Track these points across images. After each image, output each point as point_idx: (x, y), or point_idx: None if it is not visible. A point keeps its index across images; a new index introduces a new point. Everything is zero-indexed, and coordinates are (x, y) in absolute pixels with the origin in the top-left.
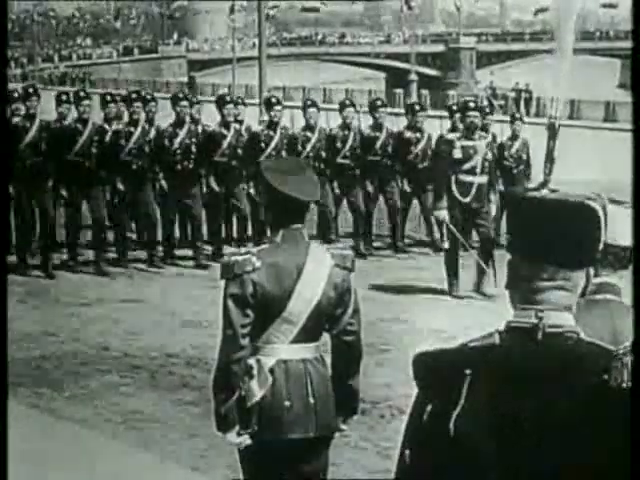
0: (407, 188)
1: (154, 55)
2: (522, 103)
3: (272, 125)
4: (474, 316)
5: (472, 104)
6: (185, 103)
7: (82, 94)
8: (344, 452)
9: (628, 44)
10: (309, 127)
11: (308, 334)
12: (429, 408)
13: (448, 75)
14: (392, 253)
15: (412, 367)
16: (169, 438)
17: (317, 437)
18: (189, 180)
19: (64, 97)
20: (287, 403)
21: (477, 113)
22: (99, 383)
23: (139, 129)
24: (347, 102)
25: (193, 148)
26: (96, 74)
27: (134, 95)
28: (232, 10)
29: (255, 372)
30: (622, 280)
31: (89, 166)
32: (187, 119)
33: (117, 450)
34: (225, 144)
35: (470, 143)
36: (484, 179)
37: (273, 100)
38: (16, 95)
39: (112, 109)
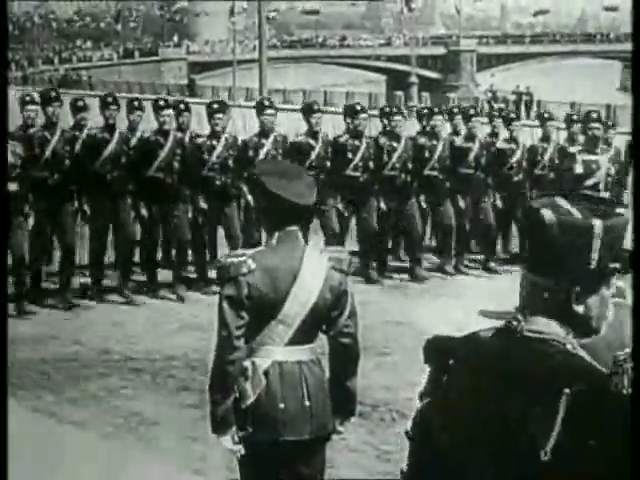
0: (499, 203)
1: (154, 57)
2: (523, 106)
3: (357, 134)
4: (476, 320)
5: (594, 114)
6: (271, 111)
7: (162, 103)
8: (344, 455)
9: (629, 47)
10: (394, 136)
11: (304, 336)
12: (422, 391)
13: (448, 77)
14: (483, 273)
15: (422, 350)
16: (170, 441)
17: (312, 439)
18: None
19: (136, 103)
20: (281, 405)
21: (600, 125)
22: (99, 386)
23: (222, 141)
24: (435, 109)
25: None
26: (96, 76)
27: (216, 105)
28: (232, 12)
29: (249, 374)
30: (626, 283)
31: (171, 182)
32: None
33: (117, 453)
34: (313, 155)
35: (592, 157)
36: (607, 196)
37: (357, 107)
38: (81, 104)
39: (185, 118)
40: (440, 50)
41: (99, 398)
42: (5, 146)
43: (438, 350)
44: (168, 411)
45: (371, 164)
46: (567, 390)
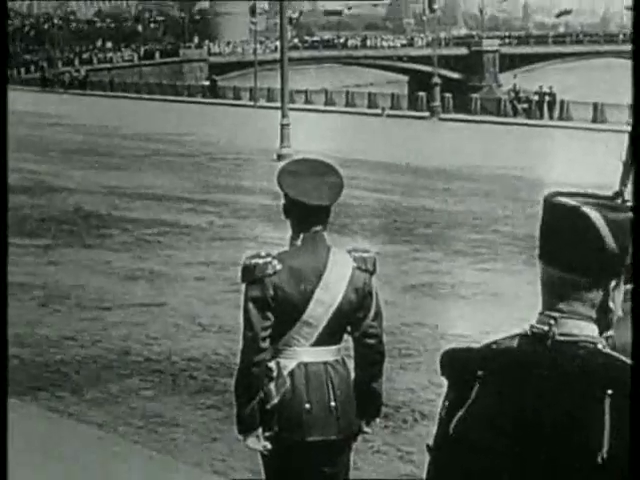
0: None
1: (175, 58)
2: (545, 106)
3: None
4: (497, 321)
5: None
6: None
7: None
8: (366, 456)
9: None
10: None
11: (329, 337)
12: (446, 404)
13: (471, 78)
14: None
15: (439, 363)
16: (190, 442)
17: (338, 439)
18: None
19: None
20: (307, 405)
21: None
22: (119, 387)
23: None
24: None
25: None
26: (117, 78)
27: None
28: (253, 13)
29: (274, 375)
30: None
31: None
32: None
33: (137, 454)
34: None
35: None
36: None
37: None
38: None
39: None
40: (463, 51)
41: (119, 399)
42: (5, 147)
43: (461, 362)
44: (188, 412)
45: None
46: (609, 391)
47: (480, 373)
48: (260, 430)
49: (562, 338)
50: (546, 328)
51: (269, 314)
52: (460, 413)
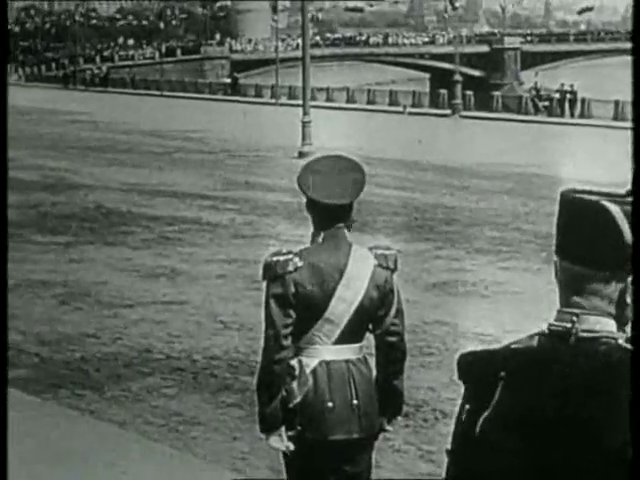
0: None
1: (197, 56)
2: (566, 104)
3: None
4: (517, 320)
5: None
6: None
7: None
8: (387, 455)
9: None
10: None
11: (351, 335)
12: (467, 407)
13: (492, 76)
14: None
15: (456, 366)
16: (211, 440)
17: (360, 438)
18: None
19: None
20: (330, 404)
21: None
22: (141, 385)
23: None
24: None
25: None
26: (138, 75)
27: None
28: (275, 10)
29: (296, 373)
30: None
31: None
32: None
33: (158, 452)
34: None
35: None
36: None
37: None
38: None
39: None
40: (484, 48)
41: (140, 397)
42: (5, 147)
43: (482, 364)
44: (209, 410)
45: None
46: (622, 385)
47: (502, 374)
48: (283, 429)
49: (585, 335)
50: (569, 325)
51: (290, 311)
52: (486, 414)
